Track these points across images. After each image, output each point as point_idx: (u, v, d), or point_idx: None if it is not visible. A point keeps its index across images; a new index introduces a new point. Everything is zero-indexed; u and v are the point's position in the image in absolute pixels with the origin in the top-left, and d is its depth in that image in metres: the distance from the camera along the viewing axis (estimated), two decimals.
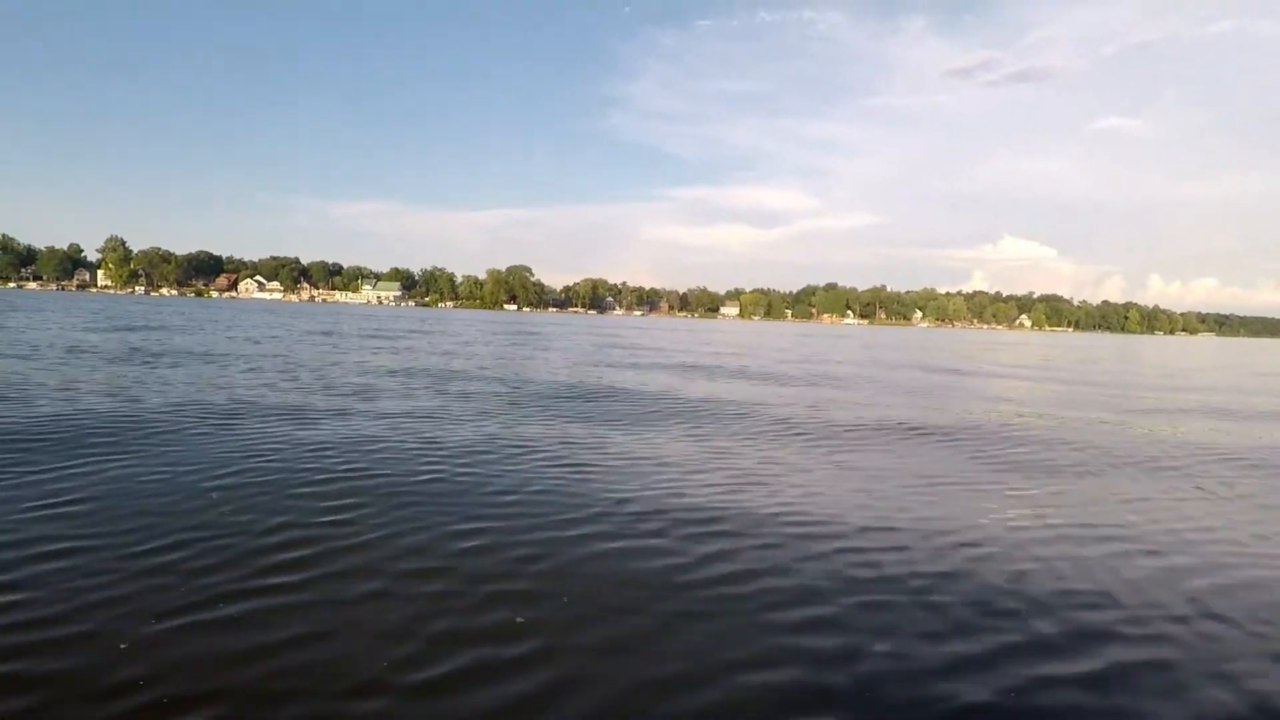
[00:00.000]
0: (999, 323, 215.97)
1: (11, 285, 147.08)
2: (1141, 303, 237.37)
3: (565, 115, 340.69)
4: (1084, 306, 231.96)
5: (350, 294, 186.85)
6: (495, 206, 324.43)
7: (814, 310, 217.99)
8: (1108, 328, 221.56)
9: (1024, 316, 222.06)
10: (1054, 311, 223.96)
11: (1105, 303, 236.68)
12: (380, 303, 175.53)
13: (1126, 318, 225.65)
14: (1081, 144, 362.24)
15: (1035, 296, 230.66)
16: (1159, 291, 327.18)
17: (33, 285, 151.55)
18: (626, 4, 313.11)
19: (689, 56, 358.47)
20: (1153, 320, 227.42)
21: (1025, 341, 68.34)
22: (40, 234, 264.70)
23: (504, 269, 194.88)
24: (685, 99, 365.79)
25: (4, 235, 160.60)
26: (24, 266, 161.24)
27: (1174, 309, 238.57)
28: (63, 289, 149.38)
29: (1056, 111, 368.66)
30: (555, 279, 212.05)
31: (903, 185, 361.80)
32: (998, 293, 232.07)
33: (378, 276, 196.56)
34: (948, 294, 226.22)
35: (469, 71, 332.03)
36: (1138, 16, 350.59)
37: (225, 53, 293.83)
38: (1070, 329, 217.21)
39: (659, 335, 43.52)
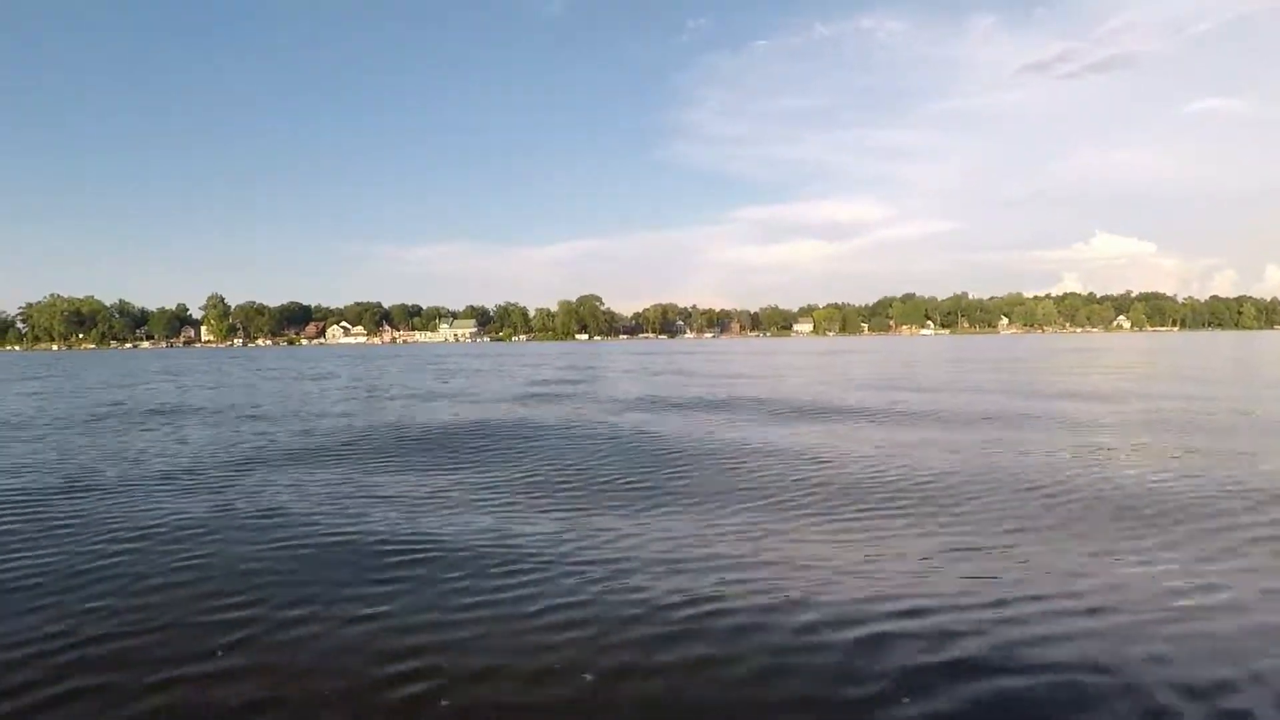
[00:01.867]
0: (1093, 325, 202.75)
1: (128, 346, 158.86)
2: (1257, 295, 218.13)
3: (629, 147, 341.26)
4: (1190, 303, 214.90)
5: (429, 333, 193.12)
6: (564, 239, 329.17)
7: (891, 323, 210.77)
8: (1219, 324, 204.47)
9: (1121, 317, 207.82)
10: (1155, 310, 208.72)
11: (1214, 298, 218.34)
12: (457, 340, 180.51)
13: (1240, 313, 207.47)
14: (1176, 131, 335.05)
15: (1133, 295, 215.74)
16: (1278, 283, 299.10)
17: (146, 345, 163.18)
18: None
19: (748, 78, 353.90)
20: (1271, 314, 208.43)
21: (1108, 347, 53.73)
22: (150, 296, 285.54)
23: (574, 300, 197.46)
24: (747, 121, 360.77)
25: (121, 300, 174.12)
26: (139, 327, 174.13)
27: None
28: (171, 345, 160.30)
29: (1145, 99, 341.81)
30: (625, 306, 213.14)
31: (980, 188, 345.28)
32: (1091, 294, 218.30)
33: (454, 315, 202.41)
34: (1035, 298, 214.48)
35: (533, 109, 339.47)
36: None
37: (299, 111, 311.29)
38: (1175, 328, 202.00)
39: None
